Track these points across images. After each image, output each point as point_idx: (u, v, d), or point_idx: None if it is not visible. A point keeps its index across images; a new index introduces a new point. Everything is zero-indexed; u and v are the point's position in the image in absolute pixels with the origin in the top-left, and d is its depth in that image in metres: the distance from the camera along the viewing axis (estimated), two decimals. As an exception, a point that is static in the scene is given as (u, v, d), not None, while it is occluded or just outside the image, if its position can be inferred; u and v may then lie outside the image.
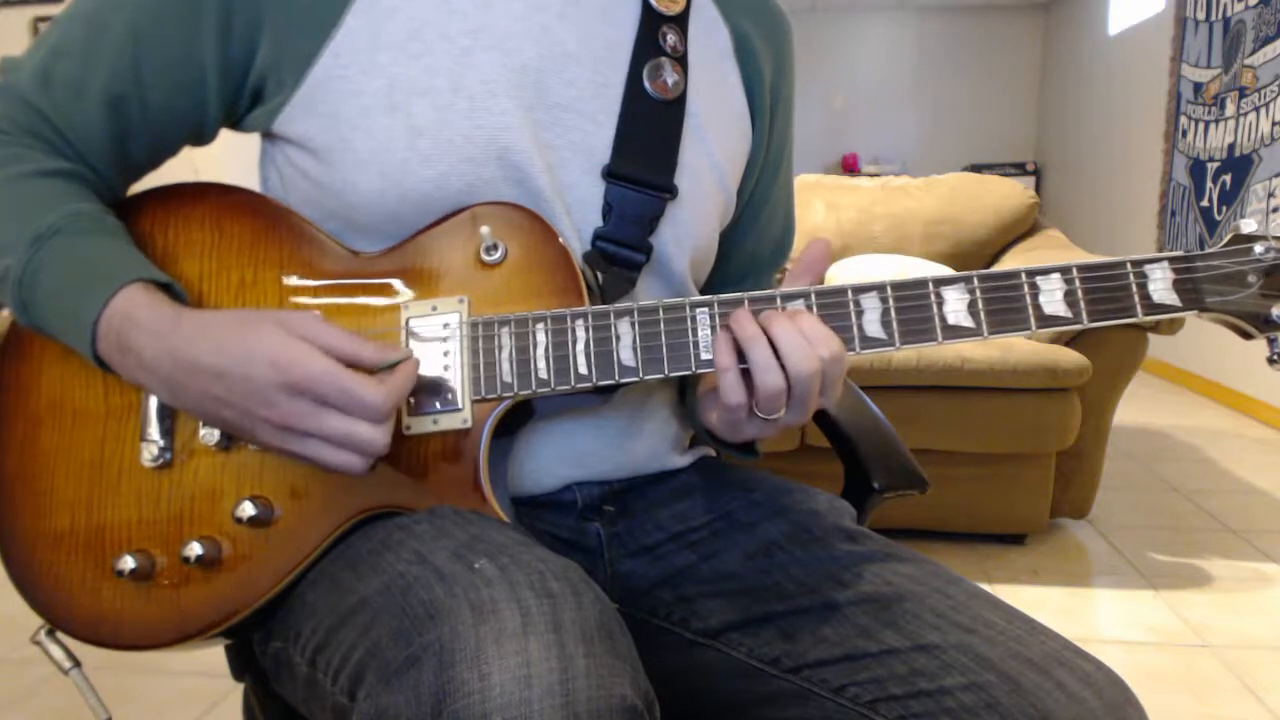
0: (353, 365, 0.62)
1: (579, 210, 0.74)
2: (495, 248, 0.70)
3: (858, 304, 0.67)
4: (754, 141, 0.85)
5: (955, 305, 0.67)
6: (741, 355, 0.65)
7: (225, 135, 0.77)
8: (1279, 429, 3.71)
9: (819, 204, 2.95)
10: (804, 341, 0.63)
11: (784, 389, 0.64)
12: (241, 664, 0.80)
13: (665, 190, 0.75)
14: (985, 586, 0.71)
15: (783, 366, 0.63)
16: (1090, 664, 0.63)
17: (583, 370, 0.67)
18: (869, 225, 2.90)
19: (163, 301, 0.65)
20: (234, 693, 1.68)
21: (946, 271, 0.68)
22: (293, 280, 0.71)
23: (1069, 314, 0.66)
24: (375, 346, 0.63)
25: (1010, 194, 2.89)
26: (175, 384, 0.64)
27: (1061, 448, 2.28)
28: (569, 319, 0.68)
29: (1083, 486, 2.39)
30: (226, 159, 1.37)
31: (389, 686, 0.52)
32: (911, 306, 0.67)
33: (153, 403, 0.69)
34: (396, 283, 0.70)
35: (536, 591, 0.53)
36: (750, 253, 0.91)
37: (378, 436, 0.61)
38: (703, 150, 0.79)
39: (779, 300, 0.67)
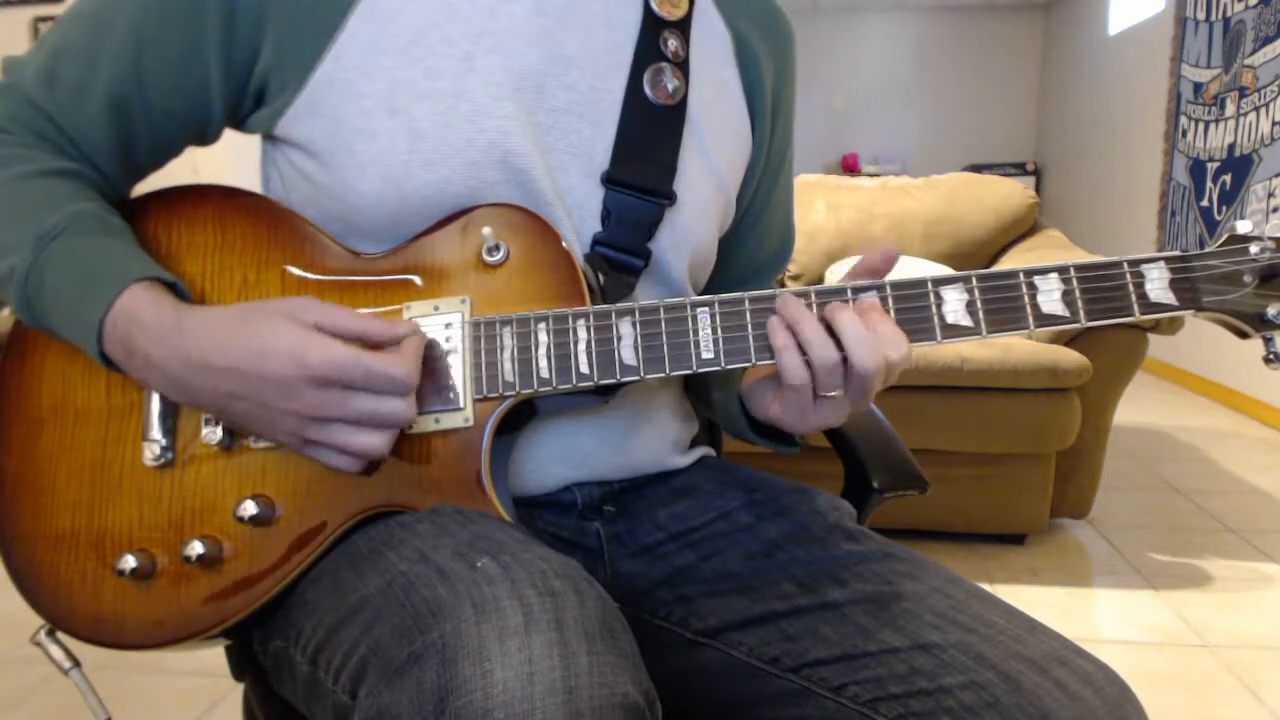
0: (360, 344, 0.63)
1: (579, 214, 0.74)
2: (497, 248, 0.70)
3: (857, 303, 0.67)
4: (754, 147, 0.85)
5: (954, 305, 0.67)
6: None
7: (227, 136, 0.77)
8: (1279, 429, 3.71)
9: (819, 204, 2.95)
10: (870, 336, 0.64)
11: (839, 361, 0.64)
12: (241, 664, 0.80)
13: (664, 196, 0.75)
14: (985, 586, 0.71)
15: (841, 350, 0.64)
16: (1090, 663, 0.63)
17: (584, 369, 0.68)
18: (869, 225, 2.90)
19: (167, 300, 0.66)
20: (234, 693, 1.69)
21: (946, 271, 0.68)
22: (295, 281, 0.71)
23: (1067, 313, 0.67)
24: (382, 323, 0.64)
25: (1010, 194, 2.89)
26: (184, 383, 0.64)
27: (1061, 448, 2.28)
28: (570, 318, 0.68)
29: (1083, 486, 2.39)
30: (228, 160, 1.37)
31: (391, 684, 0.52)
32: (911, 306, 0.67)
33: (154, 402, 0.69)
34: (398, 283, 0.70)
35: (539, 589, 0.53)
36: (750, 258, 0.91)
37: (404, 408, 0.63)
38: (702, 156, 0.79)
39: (777, 300, 0.68)
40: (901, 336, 0.65)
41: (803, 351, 0.65)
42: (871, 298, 0.67)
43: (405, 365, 0.62)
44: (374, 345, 0.64)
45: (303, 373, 0.61)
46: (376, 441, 0.63)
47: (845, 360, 0.64)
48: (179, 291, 0.68)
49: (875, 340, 0.64)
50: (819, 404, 0.67)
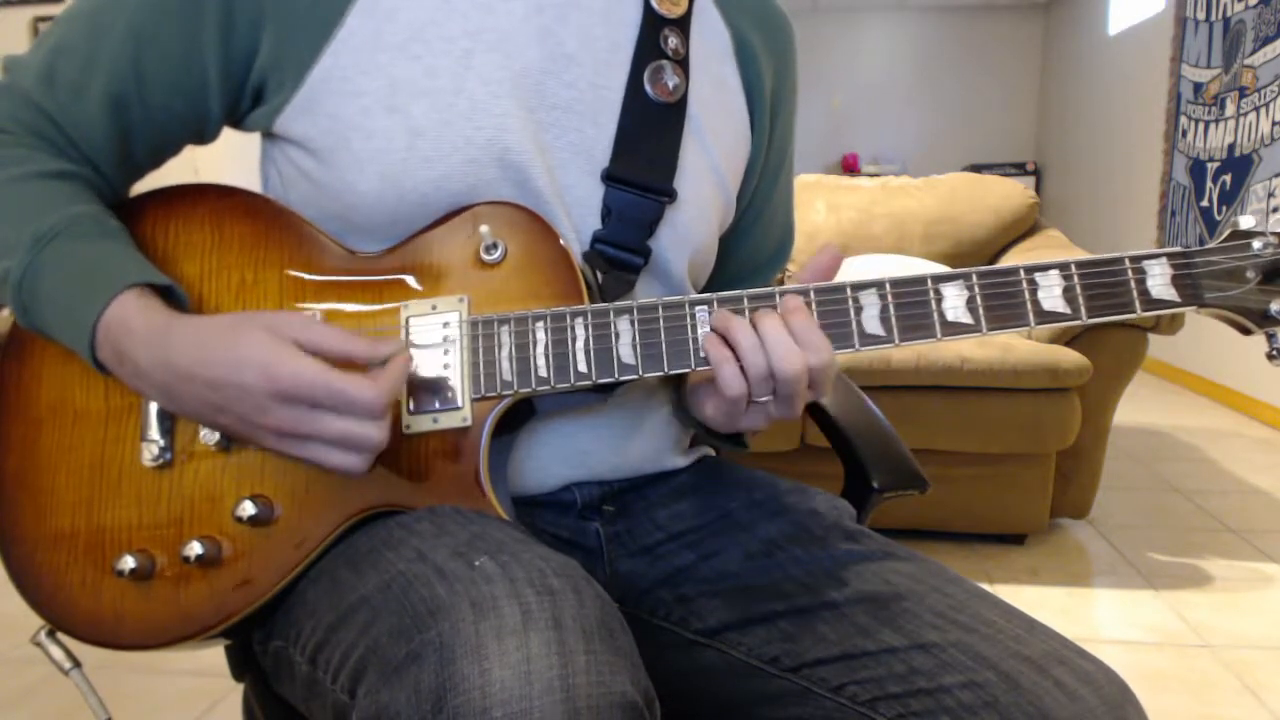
0: (344, 363, 0.62)
1: (578, 212, 0.74)
2: (495, 247, 0.70)
3: (856, 301, 0.68)
4: (754, 145, 0.85)
5: (954, 302, 0.67)
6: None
7: (226, 135, 0.77)
8: (1279, 429, 3.71)
9: (819, 204, 2.95)
10: (789, 340, 0.64)
11: (769, 372, 0.65)
12: (241, 663, 0.80)
13: (664, 194, 0.75)
14: (985, 586, 0.71)
15: (768, 358, 0.64)
16: (1089, 663, 0.63)
17: (582, 368, 0.68)
18: (869, 225, 2.90)
19: (157, 308, 0.65)
20: (234, 693, 1.68)
21: (946, 271, 0.68)
22: (292, 281, 0.71)
23: (1068, 310, 0.67)
24: (366, 342, 0.63)
25: (1010, 194, 2.89)
26: (172, 392, 0.64)
27: (1061, 448, 2.28)
28: (568, 317, 0.68)
29: (1083, 486, 2.39)
30: (227, 159, 1.37)
31: (390, 683, 0.52)
32: (910, 303, 0.67)
33: (153, 403, 0.69)
34: (396, 282, 0.70)
35: (537, 588, 0.53)
36: (750, 256, 0.91)
37: (373, 433, 0.61)
38: (703, 154, 0.79)
39: (778, 297, 0.68)
40: (824, 342, 0.65)
41: (739, 361, 0.65)
42: (797, 300, 0.67)
43: (375, 390, 0.60)
44: (359, 366, 0.63)
45: (270, 387, 0.60)
46: (351, 462, 0.62)
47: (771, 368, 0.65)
48: (175, 295, 0.68)
49: (794, 345, 0.64)
50: (750, 409, 0.68)
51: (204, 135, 0.76)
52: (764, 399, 0.66)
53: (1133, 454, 3.31)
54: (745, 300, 0.68)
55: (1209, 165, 4.32)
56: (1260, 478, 3.04)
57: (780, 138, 0.88)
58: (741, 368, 0.65)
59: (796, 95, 0.89)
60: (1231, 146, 4.11)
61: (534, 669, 0.49)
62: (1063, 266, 0.67)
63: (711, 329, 0.67)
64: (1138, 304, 0.67)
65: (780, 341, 0.64)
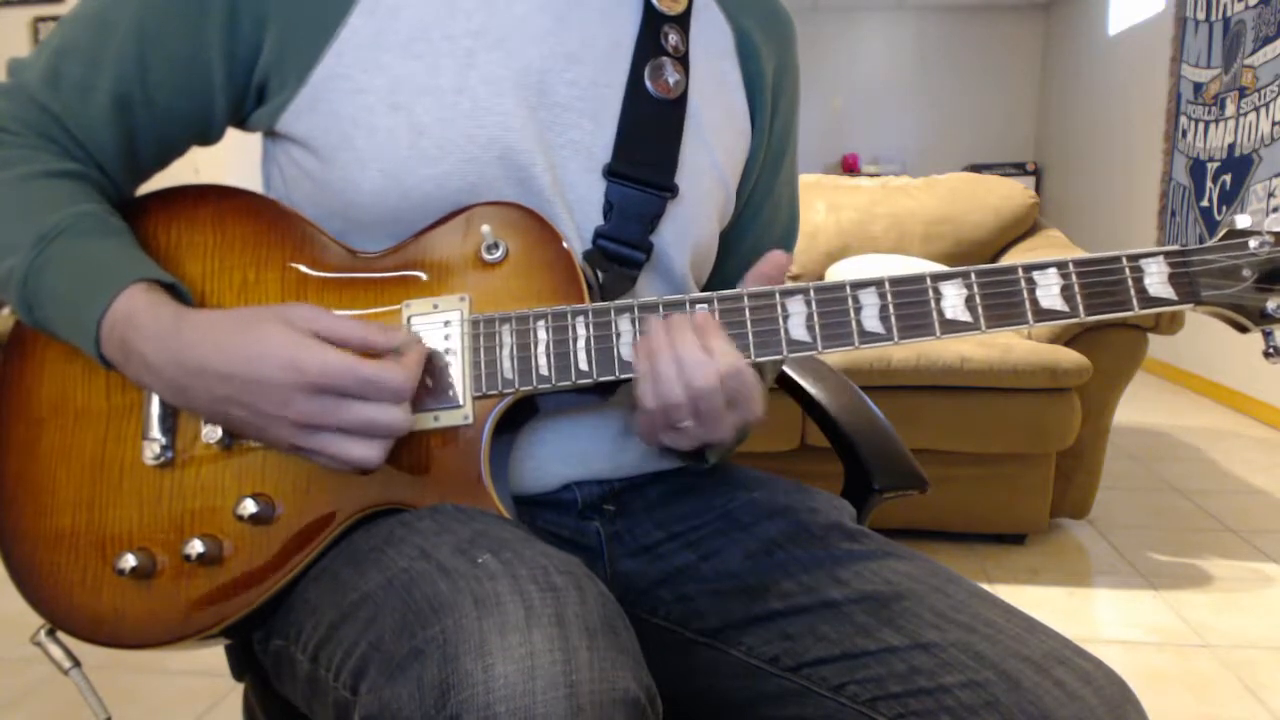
0: (362, 353, 0.62)
1: (580, 209, 0.75)
2: (496, 247, 0.70)
3: (856, 299, 0.68)
4: (753, 141, 0.85)
5: (953, 300, 0.67)
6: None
7: (228, 135, 0.77)
8: (1279, 429, 3.71)
9: (819, 204, 2.95)
10: (705, 357, 0.64)
11: (682, 403, 0.65)
12: (241, 663, 0.80)
13: (666, 189, 0.76)
14: (985, 586, 0.71)
15: (683, 380, 0.64)
16: (1089, 663, 0.63)
17: (583, 367, 0.68)
18: (869, 225, 2.90)
19: (165, 302, 0.65)
20: (234, 693, 1.69)
21: (945, 270, 0.69)
22: (294, 280, 0.71)
23: (1066, 308, 0.67)
24: (381, 330, 0.64)
25: (1010, 194, 2.89)
26: (180, 386, 0.64)
27: (1061, 448, 2.28)
28: (570, 316, 0.68)
29: (1083, 486, 2.39)
30: (228, 159, 1.37)
31: (392, 680, 0.52)
32: (910, 302, 0.67)
33: (154, 401, 0.69)
34: (397, 281, 0.70)
35: (540, 585, 0.53)
36: (753, 249, 0.90)
37: (400, 417, 0.62)
38: (703, 149, 0.79)
39: (778, 296, 0.68)
40: (732, 350, 0.65)
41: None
42: (704, 312, 0.67)
43: (402, 373, 0.62)
44: (375, 353, 0.63)
45: (297, 379, 0.60)
46: (370, 452, 0.62)
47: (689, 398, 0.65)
48: (179, 293, 0.68)
49: (707, 359, 0.64)
50: (666, 430, 0.68)
51: (209, 135, 0.76)
52: (682, 425, 0.66)
53: (1133, 454, 3.31)
54: (746, 299, 0.68)
55: (1209, 165, 4.32)
56: (1260, 478, 3.04)
57: (781, 130, 0.88)
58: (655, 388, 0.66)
59: (798, 87, 0.89)
60: (1231, 146, 4.11)
61: (537, 665, 0.49)
62: (1061, 265, 0.67)
63: (644, 337, 0.67)
64: (1135, 302, 0.67)
65: (696, 360, 0.64)
